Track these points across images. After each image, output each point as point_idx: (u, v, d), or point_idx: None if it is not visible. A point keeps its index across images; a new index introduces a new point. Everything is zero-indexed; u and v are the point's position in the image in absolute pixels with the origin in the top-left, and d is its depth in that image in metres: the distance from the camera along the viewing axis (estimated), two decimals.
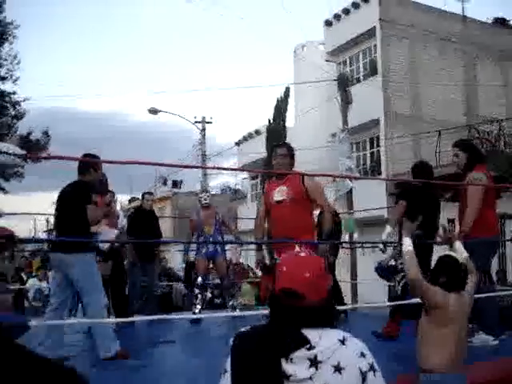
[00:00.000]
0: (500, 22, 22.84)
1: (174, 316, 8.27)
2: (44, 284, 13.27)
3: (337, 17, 21.41)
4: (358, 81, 20.80)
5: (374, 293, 13.00)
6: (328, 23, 21.88)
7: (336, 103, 17.86)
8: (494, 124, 16.77)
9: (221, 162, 45.52)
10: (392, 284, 6.29)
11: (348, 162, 15.99)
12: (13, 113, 25.55)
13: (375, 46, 19.93)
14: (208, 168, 25.99)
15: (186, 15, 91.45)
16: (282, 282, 2.01)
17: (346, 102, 17.14)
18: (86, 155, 5.12)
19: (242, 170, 26.04)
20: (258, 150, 23.24)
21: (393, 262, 6.06)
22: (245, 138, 27.89)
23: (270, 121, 22.61)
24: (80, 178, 5.23)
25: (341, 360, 1.90)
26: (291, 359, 1.90)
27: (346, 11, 20.91)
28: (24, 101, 25.46)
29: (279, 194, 5.50)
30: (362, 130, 19.53)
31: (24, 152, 3.93)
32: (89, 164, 5.17)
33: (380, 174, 18.97)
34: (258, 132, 26.06)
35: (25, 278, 14.00)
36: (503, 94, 21.30)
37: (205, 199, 8.59)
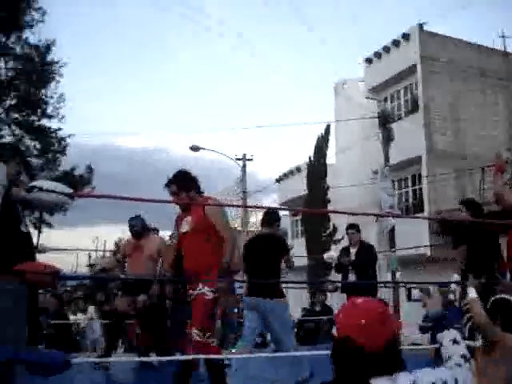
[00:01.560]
0: None
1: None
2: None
3: (377, 54, 21.52)
4: (400, 118, 20.75)
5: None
6: (368, 61, 22.01)
7: (377, 140, 17.83)
8: None
9: (261, 198, 45.57)
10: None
11: (390, 199, 15.88)
12: (58, 148, 26.14)
13: (416, 83, 19.91)
14: (242, 207, 26.03)
15: (226, 53, 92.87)
16: (338, 330, 1.96)
17: (388, 138, 17.09)
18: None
19: (280, 208, 26.03)
20: (298, 187, 23.25)
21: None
22: (285, 175, 27.95)
23: (310, 158, 22.64)
24: (269, 229, 6.18)
25: None
26: None
27: (387, 49, 21.00)
28: (69, 137, 26.07)
29: (185, 224, 5.27)
30: (404, 167, 19.40)
31: (71, 190, 4.00)
32: (278, 217, 6.13)
33: (422, 211, 18.75)
34: (298, 169, 26.09)
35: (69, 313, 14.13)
36: None
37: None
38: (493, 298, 3.70)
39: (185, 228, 5.23)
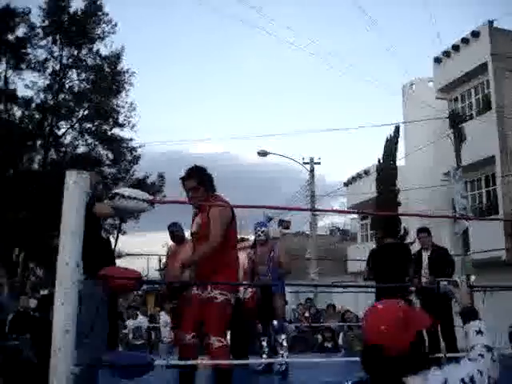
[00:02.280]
0: None
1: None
2: (143, 321, 13.65)
3: (446, 53, 21.08)
4: (471, 117, 20.22)
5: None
6: (437, 60, 21.58)
7: (448, 141, 17.44)
8: None
9: (330, 202, 45.33)
10: None
11: (463, 201, 15.48)
12: (129, 158, 26.85)
13: (487, 81, 19.40)
14: (308, 210, 25.94)
15: (292, 58, 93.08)
16: (364, 336, 2.08)
17: (459, 139, 16.70)
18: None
19: (347, 212, 25.82)
20: (367, 190, 23.01)
21: None
22: (353, 178, 27.73)
23: (379, 160, 22.34)
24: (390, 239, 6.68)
25: None
26: None
27: (456, 47, 20.55)
28: (140, 147, 26.73)
29: (195, 224, 5.11)
30: (477, 167, 18.91)
31: (151, 197, 4.07)
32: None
33: (497, 213, 18.22)
34: (367, 172, 25.86)
35: (140, 316, 14.35)
36: None
37: (259, 235, 7.70)
38: None
39: (194, 228, 5.14)
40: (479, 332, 2.32)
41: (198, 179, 5.01)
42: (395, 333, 1.98)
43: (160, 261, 39.69)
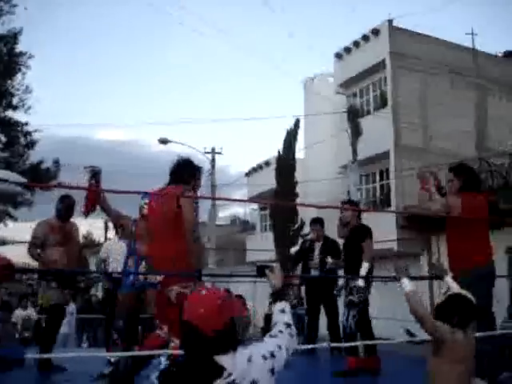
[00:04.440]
0: (510, 55, 22.85)
1: None
2: (32, 312, 13.15)
3: (347, 50, 21.49)
4: (368, 113, 20.75)
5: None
6: (338, 56, 21.96)
7: (346, 135, 17.83)
8: (504, 157, 16.63)
9: (232, 192, 45.41)
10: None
11: (357, 193, 15.89)
12: (24, 142, 25.80)
13: (385, 78, 19.93)
14: (209, 198, 25.89)
15: (196, 46, 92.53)
16: (184, 316, 2.26)
17: (356, 134, 17.11)
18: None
19: (245, 200, 25.95)
20: (268, 181, 23.19)
21: (353, 298, 6.31)
22: (254, 169, 27.89)
23: (279, 152, 22.57)
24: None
25: (253, 375, 2.22)
26: None
27: (356, 44, 20.99)
28: (35, 131, 25.73)
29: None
30: (372, 162, 19.41)
31: (24, 180, 3.84)
32: None
33: (390, 206, 18.80)
34: (267, 163, 26.07)
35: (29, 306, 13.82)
36: None
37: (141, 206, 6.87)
38: (448, 294, 3.61)
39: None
40: (282, 311, 2.65)
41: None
42: (211, 316, 2.21)
43: None
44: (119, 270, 6.60)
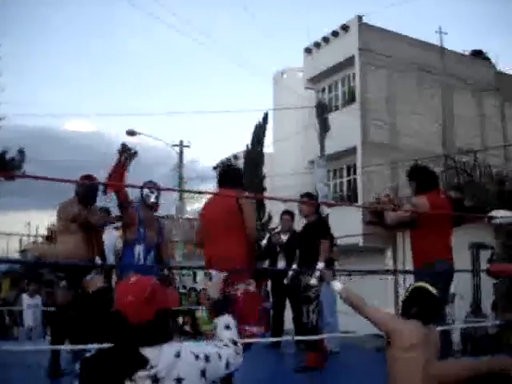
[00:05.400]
0: (477, 54, 23.17)
1: None
2: None
3: (317, 45, 21.53)
4: (337, 108, 20.85)
5: None
6: (308, 51, 21.99)
7: (314, 130, 17.88)
8: (469, 154, 16.87)
9: (201, 186, 45.20)
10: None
11: (325, 189, 15.96)
12: None
13: (354, 74, 20.03)
14: (173, 190, 25.82)
15: (165, 40, 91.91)
16: (113, 303, 2.24)
17: (324, 129, 17.16)
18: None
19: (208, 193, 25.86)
20: None
21: (309, 294, 6.44)
22: (223, 163, 27.84)
23: (248, 146, 22.57)
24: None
25: (180, 372, 2.15)
26: (134, 380, 2.08)
27: (326, 39, 21.04)
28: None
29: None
30: (340, 157, 19.53)
31: None
32: None
33: (356, 201, 18.93)
34: (236, 157, 26.04)
35: None
36: (479, 125, 21.50)
37: (147, 195, 6.08)
38: (411, 287, 3.70)
39: None
40: (228, 327, 2.54)
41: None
42: (140, 305, 2.15)
43: (21, 242, 37.99)
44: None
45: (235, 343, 2.48)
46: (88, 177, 5.81)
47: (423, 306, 3.45)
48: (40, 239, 43.36)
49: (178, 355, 2.17)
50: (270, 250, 8.51)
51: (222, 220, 4.84)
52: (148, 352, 2.12)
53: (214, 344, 2.42)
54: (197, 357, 2.23)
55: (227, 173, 5.28)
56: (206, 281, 2.62)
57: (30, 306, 11.64)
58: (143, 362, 2.09)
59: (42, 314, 12.48)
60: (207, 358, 2.27)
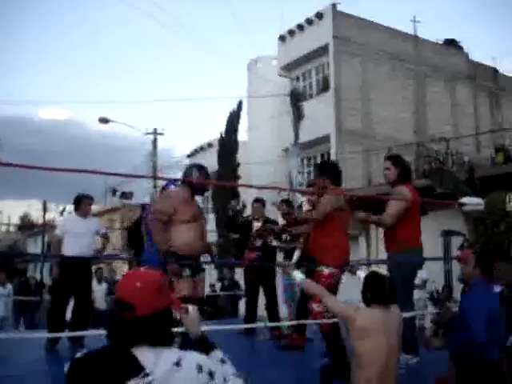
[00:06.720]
0: (450, 43, 23.34)
1: None
2: None
3: (291, 32, 21.50)
4: (311, 96, 20.85)
5: None
6: (282, 38, 21.95)
7: (288, 118, 17.89)
8: (441, 143, 17.02)
9: (175, 174, 45.08)
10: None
11: (299, 176, 16.00)
12: None
13: (328, 62, 20.05)
14: (147, 177, 25.66)
15: (140, 28, 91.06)
16: (116, 292, 2.05)
17: (298, 117, 17.19)
18: None
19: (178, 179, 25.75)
20: (210, 163, 23.03)
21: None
22: (196, 151, 27.71)
23: (222, 134, 22.50)
24: None
25: (180, 383, 1.90)
26: None
27: (301, 27, 21.01)
28: None
29: None
30: (314, 145, 19.57)
31: None
32: None
33: None
34: (210, 145, 25.92)
35: None
36: (451, 114, 21.70)
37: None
38: (366, 274, 3.81)
39: None
40: (223, 361, 2.20)
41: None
42: (148, 294, 1.97)
43: None
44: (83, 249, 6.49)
45: (239, 376, 2.19)
46: (202, 168, 5.48)
47: (376, 289, 3.52)
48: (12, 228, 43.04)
49: (178, 364, 1.92)
50: (234, 226, 8.83)
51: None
52: (144, 356, 1.91)
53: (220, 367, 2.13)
54: (199, 368, 1.96)
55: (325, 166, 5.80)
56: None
57: (1, 295, 11.45)
58: (137, 369, 1.88)
59: (13, 303, 12.34)
60: (211, 375, 1.99)
